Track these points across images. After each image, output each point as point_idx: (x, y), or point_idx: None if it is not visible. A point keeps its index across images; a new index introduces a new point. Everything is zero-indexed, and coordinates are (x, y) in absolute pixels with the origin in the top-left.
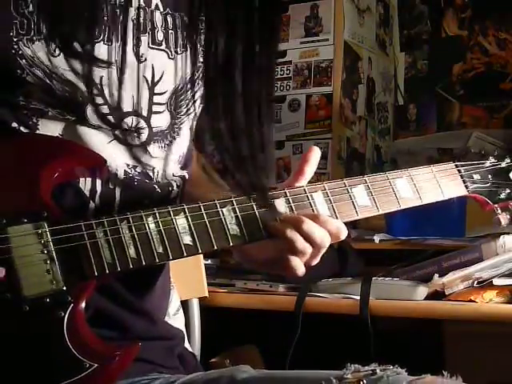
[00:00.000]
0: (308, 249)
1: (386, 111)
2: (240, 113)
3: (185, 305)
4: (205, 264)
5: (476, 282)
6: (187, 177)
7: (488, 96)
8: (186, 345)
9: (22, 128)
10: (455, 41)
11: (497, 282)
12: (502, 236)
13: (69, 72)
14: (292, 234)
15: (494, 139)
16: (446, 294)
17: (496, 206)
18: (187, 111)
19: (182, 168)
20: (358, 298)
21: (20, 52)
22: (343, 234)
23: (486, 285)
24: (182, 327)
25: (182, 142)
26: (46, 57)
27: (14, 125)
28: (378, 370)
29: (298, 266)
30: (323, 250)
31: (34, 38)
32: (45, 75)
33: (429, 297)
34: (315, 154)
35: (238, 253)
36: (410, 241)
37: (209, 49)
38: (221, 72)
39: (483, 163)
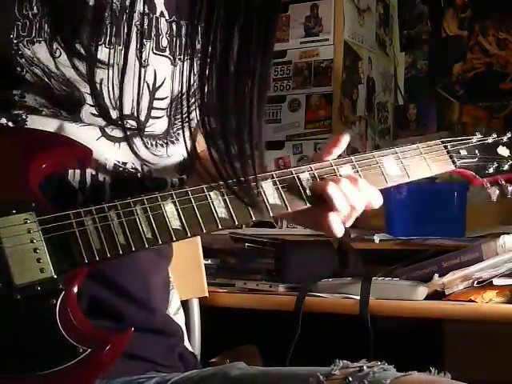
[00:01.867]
0: (346, 206)
1: (386, 111)
2: (231, 109)
3: (185, 305)
4: (205, 264)
5: (476, 282)
6: (185, 179)
7: (488, 96)
8: (186, 344)
9: (10, 124)
10: (455, 41)
11: (497, 282)
12: (502, 236)
13: (69, 72)
14: (333, 190)
15: None
16: (446, 293)
17: (485, 180)
18: (186, 118)
19: (181, 174)
20: (358, 297)
21: (20, 52)
22: (377, 202)
23: (486, 285)
24: (183, 327)
25: (180, 148)
26: (46, 57)
27: (3, 121)
28: (364, 367)
29: (336, 222)
30: (356, 214)
31: (35, 40)
32: (44, 74)
33: (429, 297)
34: (345, 139)
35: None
36: (410, 241)
37: (205, 53)
38: (216, 73)
39: (470, 139)
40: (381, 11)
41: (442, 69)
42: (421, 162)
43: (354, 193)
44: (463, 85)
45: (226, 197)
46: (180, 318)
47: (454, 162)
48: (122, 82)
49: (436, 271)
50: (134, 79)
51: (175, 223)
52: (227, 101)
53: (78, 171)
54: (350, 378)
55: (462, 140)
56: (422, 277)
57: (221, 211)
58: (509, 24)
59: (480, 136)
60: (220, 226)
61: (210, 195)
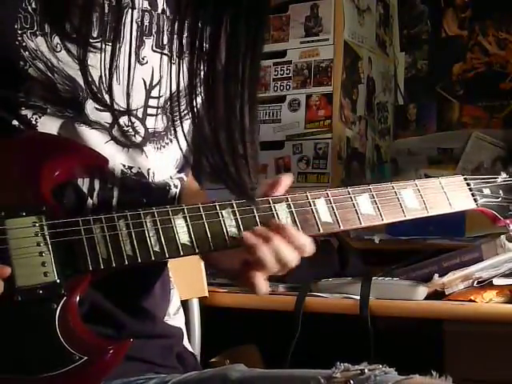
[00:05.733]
0: (275, 267)
1: (385, 111)
2: (222, 116)
3: (185, 305)
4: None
5: (476, 282)
6: (185, 179)
7: (488, 96)
8: (186, 344)
9: (22, 126)
10: (455, 41)
11: (497, 281)
12: (502, 236)
13: (69, 67)
14: (262, 250)
15: (493, 139)
16: (446, 293)
17: (508, 221)
18: (185, 116)
19: (180, 171)
20: (358, 297)
21: (24, 44)
22: (307, 251)
23: (485, 285)
24: (183, 327)
25: (179, 146)
26: (48, 51)
27: (15, 123)
28: (366, 370)
29: (261, 283)
30: (289, 268)
31: (38, 33)
32: (47, 69)
33: (429, 297)
34: (287, 182)
35: (206, 259)
36: (410, 241)
37: (193, 52)
38: (205, 76)
39: (495, 178)
40: (381, 11)
41: (441, 69)
42: (441, 198)
43: (287, 250)
44: (463, 85)
45: (237, 216)
46: (180, 318)
47: (475, 201)
48: (110, 67)
49: (436, 271)
50: (132, 76)
51: (184, 238)
52: (216, 102)
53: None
54: (352, 381)
55: (486, 179)
56: (421, 277)
57: (231, 230)
58: (509, 24)
59: (505, 176)
60: (229, 245)
61: (221, 213)
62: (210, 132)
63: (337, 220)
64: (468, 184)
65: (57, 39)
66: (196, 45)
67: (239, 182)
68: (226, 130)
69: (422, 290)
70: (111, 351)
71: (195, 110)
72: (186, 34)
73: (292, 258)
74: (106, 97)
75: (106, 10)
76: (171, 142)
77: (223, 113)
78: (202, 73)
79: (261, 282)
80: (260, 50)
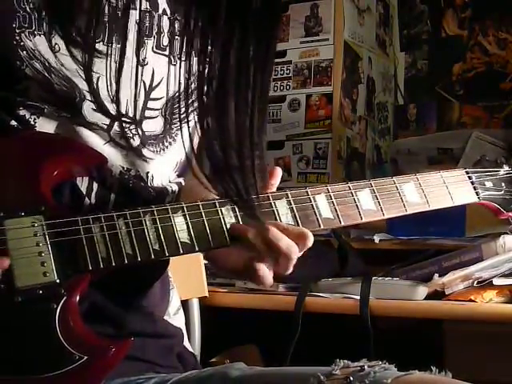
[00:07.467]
0: (273, 257)
1: (385, 111)
2: (231, 122)
3: (185, 305)
4: (205, 264)
5: (476, 282)
6: (183, 183)
7: (488, 96)
8: (186, 344)
9: (20, 127)
10: (455, 41)
11: (497, 281)
12: (501, 236)
13: (67, 68)
14: (255, 239)
15: (493, 139)
16: (446, 293)
17: (511, 214)
18: (185, 118)
19: (179, 175)
20: (358, 297)
21: (21, 43)
22: (309, 241)
23: (485, 285)
24: (183, 327)
25: (179, 149)
26: (46, 51)
27: (13, 123)
28: (365, 366)
29: (266, 275)
30: (293, 261)
31: (36, 33)
32: (44, 69)
33: (429, 297)
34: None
35: (209, 259)
36: (410, 241)
37: (202, 57)
38: (214, 80)
39: (497, 171)
40: (381, 11)
41: (442, 69)
42: (443, 192)
43: (283, 239)
44: (463, 85)
45: (237, 213)
46: (180, 318)
47: (477, 194)
48: (119, 77)
49: (436, 271)
50: (130, 78)
51: (184, 236)
52: (227, 107)
53: (86, 177)
54: (351, 378)
55: (488, 172)
56: (422, 277)
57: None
58: (509, 24)
59: (508, 169)
60: (229, 243)
61: (221, 211)
62: (220, 149)
63: (337, 215)
64: (470, 177)
65: (55, 39)
66: (204, 49)
67: (249, 203)
68: (237, 149)
69: (422, 290)
70: (112, 350)
71: (194, 113)
72: (188, 36)
73: (289, 246)
74: (113, 106)
75: (109, 12)
76: (171, 145)
77: (234, 130)
78: (213, 79)
79: (265, 273)
80: (271, 63)
